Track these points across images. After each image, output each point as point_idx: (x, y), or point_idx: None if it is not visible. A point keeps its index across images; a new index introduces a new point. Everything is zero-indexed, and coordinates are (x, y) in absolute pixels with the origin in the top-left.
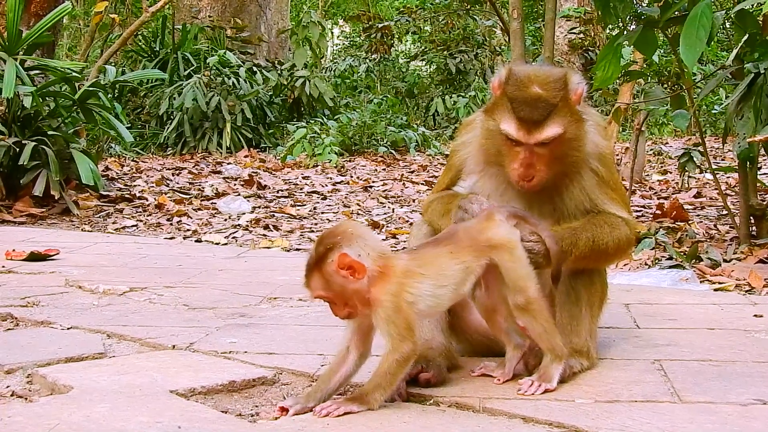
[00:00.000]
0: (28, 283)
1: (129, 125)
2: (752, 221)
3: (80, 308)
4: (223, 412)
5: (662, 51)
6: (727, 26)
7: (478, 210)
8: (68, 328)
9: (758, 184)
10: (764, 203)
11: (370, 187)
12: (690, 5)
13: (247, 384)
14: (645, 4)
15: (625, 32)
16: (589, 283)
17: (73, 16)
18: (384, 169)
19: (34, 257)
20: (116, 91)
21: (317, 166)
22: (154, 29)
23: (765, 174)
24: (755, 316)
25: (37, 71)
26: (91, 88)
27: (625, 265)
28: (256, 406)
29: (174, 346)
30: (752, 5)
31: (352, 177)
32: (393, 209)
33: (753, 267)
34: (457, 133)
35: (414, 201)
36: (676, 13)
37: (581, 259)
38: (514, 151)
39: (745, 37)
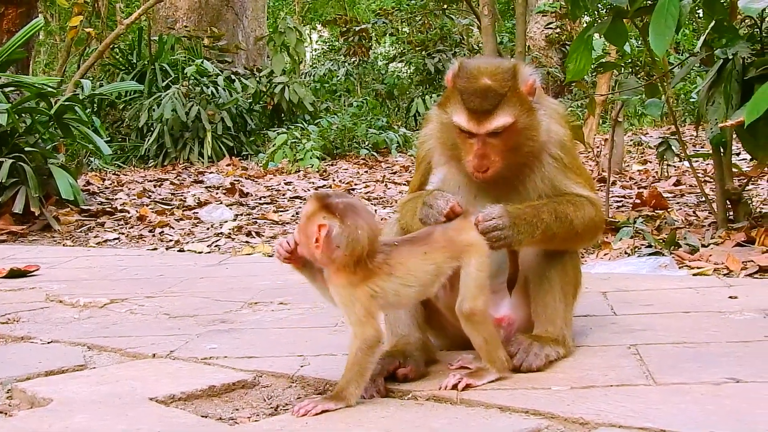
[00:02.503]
0: (8, 300)
1: (109, 138)
2: (729, 205)
3: (61, 322)
4: (202, 416)
5: (637, 41)
6: (699, 14)
7: (444, 205)
8: (48, 342)
9: (734, 169)
10: (740, 187)
11: (353, 189)
12: None
13: (227, 388)
14: None
15: (596, 24)
16: (562, 272)
17: (48, 32)
18: (366, 172)
19: (14, 274)
20: (95, 104)
21: (299, 171)
22: (131, 41)
23: (743, 159)
24: (730, 297)
25: (12, 88)
26: (67, 103)
27: (605, 254)
28: (236, 410)
29: (154, 355)
30: None
31: (334, 180)
32: (376, 210)
33: (730, 251)
34: (421, 126)
35: (396, 202)
36: (649, 3)
37: (550, 236)
38: (468, 143)
39: (712, 24)
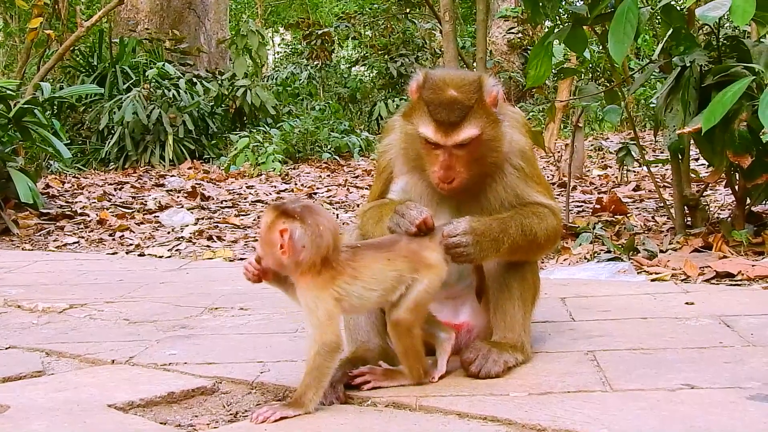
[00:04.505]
0: None
1: (69, 141)
2: (687, 211)
3: (19, 327)
4: (161, 423)
5: (597, 47)
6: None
7: (417, 215)
8: (6, 348)
9: (692, 175)
10: (698, 193)
11: (315, 193)
12: (617, 2)
13: (186, 395)
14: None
15: (556, 30)
16: (521, 279)
17: (8, 34)
18: (328, 175)
19: None
20: (55, 107)
21: (261, 175)
22: (92, 44)
23: (702, 165)
24: (687, 303)
25: None
26: (26, 106)
27: (564, 260)
28: (195, 416)
29: (113, 361)
30: None
31: (296, 184)
32: (337, 215)
33: (688, 256)
34: (381, 136)
35: (358, 206)
36: (608, 10)
37: (514, 250)
38: (433, 154)
39: (670, 31)
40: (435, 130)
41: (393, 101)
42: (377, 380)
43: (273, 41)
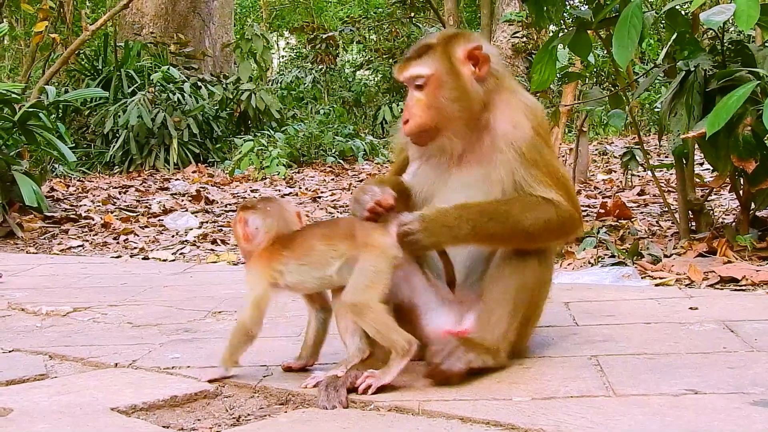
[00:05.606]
0: None
1: (74, 145)
2: (691, 216)
3: (22, 331)
4: (164, 427)
5: (602, 52)
6: (662, 26)
7: (369, 200)
8: (9, 351)
9: (696, 179)
10: (702, 198)
11: (319, 197)
12: (621, 6)
13: (189, 398)
14: (583, 8)
15: (560, 35)
16: (519, 281)
17: (13, 38)
18: (333, 179)
19: None
20: (60, 111)
21: (266, 178)
22: (97, 47)
23: (707, 170)
24: (691, 308)
25: None
26: (31, 109)
27: (569, 264)
28: (198, 420)
29: (116, 365)
30: (682, 4)
31: (300, 188)
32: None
33: (692, 261)
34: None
35: None
36: (612, 14)
37: (487, 237)
38: None
39: (674, 36)
40: (397, 66)
41: (398, 105)
42: (377, 379)
43: (278, 45)
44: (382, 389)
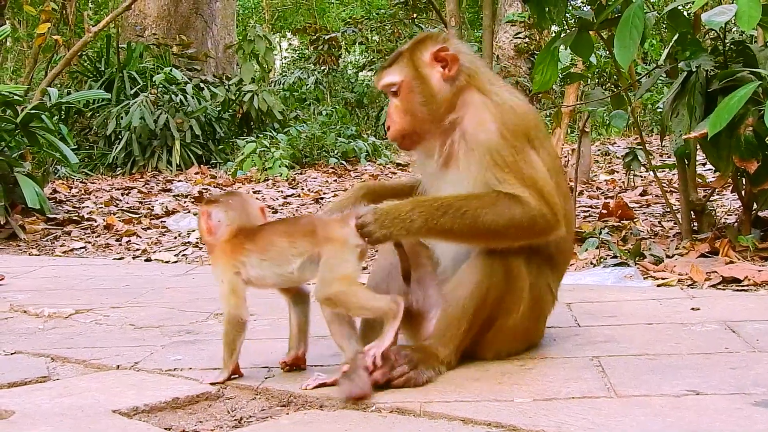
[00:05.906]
0: None
1: (76, 146)
2: (693, 216)
3: (25, 333)
4: (166, 429)
5: (604, 53)
6: (664, 26)
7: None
8: (12, 354)
9: (698, 180)
10: (704, 198)
11: (322, 198)
12: (623, 7)
13: (191, 400)
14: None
15: (562, 35)
16: (475, 284)
17: (16, 39)
18: (335, 180)
19: None
20: (62, 112)
21: (268, 179)
22: (99, 49)
23: (709, 170)
24: (692, 309)
25: None
26: (33, 111)
27: (571, 265)
28: (200, 422)
29: (118, 366)
30: (683, 4)
31: (303, 189)
32: None
33: (694, 261)
34: None
35: None
36: (614, 15)
37: (442, 231)
38: None
39: (676, 36)
40: (376, 75)
41: None
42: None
43: (280, 46)
44: (385, 385)
